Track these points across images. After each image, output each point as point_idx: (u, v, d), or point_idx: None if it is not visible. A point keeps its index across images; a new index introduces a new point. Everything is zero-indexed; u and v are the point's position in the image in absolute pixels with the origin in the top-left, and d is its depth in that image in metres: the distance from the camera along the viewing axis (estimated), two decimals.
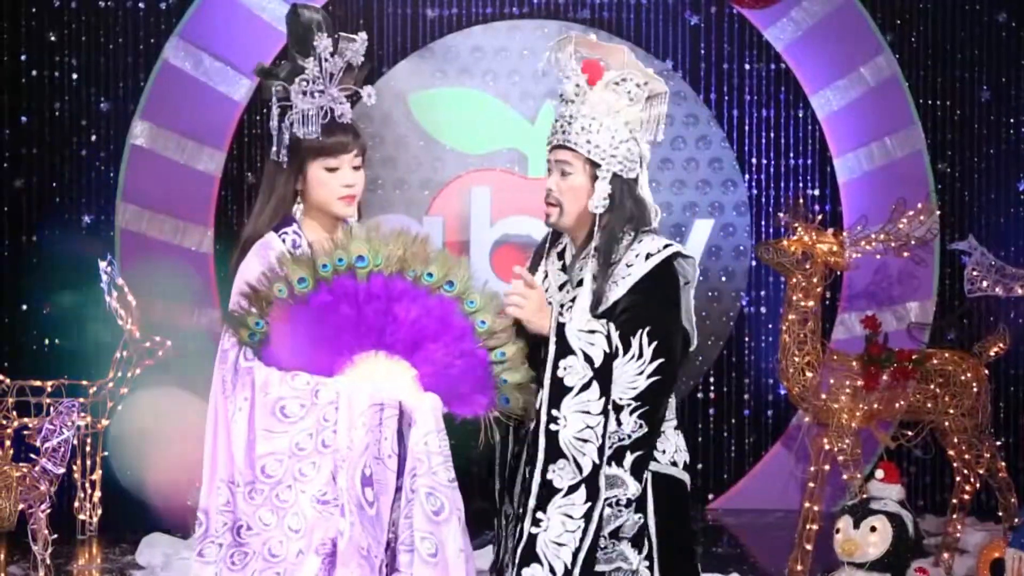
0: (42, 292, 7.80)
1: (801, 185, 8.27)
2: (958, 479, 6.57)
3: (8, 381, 6.76)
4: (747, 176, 8.31)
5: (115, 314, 6.85)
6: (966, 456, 6.47)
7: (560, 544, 3.19)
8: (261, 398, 3.19)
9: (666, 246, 3.37)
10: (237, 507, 3.21)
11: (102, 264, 6.83)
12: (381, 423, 3.20)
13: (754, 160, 8.32)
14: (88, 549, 6.72)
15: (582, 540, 3.20)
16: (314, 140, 3.36)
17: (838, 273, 6.88)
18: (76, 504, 6.96)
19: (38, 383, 6.80)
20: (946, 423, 6.44)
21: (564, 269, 3.50)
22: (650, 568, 3.33)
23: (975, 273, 6.61)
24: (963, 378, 6.40)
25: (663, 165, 8.27)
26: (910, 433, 6.51)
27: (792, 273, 6.29)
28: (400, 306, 3.21)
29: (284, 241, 3.35)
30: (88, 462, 6.95)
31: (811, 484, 6.44)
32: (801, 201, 6.60)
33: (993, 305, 7.71)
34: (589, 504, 3.20)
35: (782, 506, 7.80)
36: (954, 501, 6.60)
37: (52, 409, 6.11)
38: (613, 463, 3.24)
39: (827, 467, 6.42)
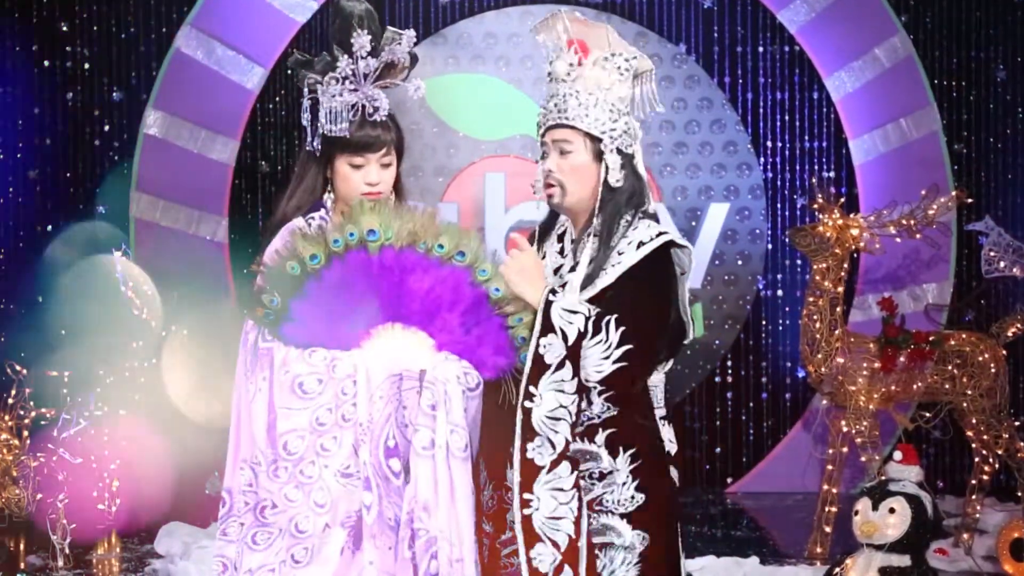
0: (57, 282, 7.80)
1: (816, 168, 8.24)
2: (977, 460, 6.55)
3: (25, 371, 6.76)
4: (762, 159, 8.28)
5: (131, 304, 6.86)
6: (984, 437, 6.45)
7: (558, 518, 3.19)
8: (280, 376, 3.19)
9: (659, 234, 3.33)
10: (260, 487, 3.22)
11: (116, 254, 6.84)
12: (400, 393, 3.20)
13: (769, 143, 8.29)
14: (107, 538, 6.72)
15: (580, 509, 3.20)
16: (341, 136, 3.36)
17: (855, 256, 6.84)
18: (94, 493, 6.96)
19: (55, 373, 6.80)
20: (964, 404, 6.42)
21: (562, 252, 3.47)
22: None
23: (992, 254, 6.58)
24: (981, 359, 6.38)
25: (677, 149, 8.24)
26: (928, 415, 6.49)
27: (823, 257, 6.24)
28: (413, 277, 3.21)
29: (311, 227, 3.35)
30: (105, 452, 6.94)
31: (829, 466, 6.43)
32: (815, 183, 6.57)
33: (1010, 286, 7.67)
34: (576, 475, 3.21)
35: (801, 489, 7.80)
36: (973, 482, 6.59)
37: (69, 399, 6.11)
38: (585, 439, 3.24)
39: (845, 449, 6.41)
